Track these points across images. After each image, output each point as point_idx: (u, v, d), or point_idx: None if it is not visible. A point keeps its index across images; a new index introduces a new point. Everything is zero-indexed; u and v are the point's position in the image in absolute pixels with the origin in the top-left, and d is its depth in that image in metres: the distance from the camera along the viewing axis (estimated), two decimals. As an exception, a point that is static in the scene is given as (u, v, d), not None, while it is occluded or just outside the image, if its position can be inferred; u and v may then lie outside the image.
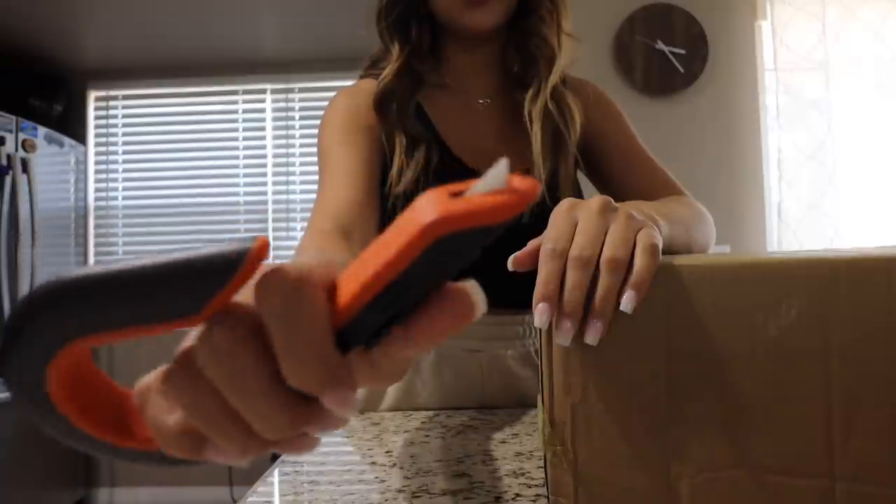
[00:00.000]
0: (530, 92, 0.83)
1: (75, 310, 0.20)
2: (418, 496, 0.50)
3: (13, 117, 2.58)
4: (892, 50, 2.24)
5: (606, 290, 0.38)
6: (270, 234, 3.22)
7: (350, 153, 0.78)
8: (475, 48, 0.87)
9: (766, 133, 2.28)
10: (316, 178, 0.81)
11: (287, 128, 3.24)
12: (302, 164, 3.21)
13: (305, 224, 3.25)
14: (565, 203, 0.42)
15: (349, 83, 0.93)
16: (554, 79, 0.83)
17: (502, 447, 0.63)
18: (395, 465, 0.59)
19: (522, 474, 0.54)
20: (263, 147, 3.25)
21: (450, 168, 0.81)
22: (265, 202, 3.23)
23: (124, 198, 3.26)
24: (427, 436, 0.69)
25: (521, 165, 0.84)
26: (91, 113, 3.27)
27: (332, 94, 0.88)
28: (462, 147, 0.84)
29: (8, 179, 2.52)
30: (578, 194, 0.85)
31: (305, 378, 0.21)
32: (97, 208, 3.25)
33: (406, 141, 0.80)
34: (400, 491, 0.51)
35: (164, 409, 0.23)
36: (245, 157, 3.26)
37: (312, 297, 0.21)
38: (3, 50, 2.89)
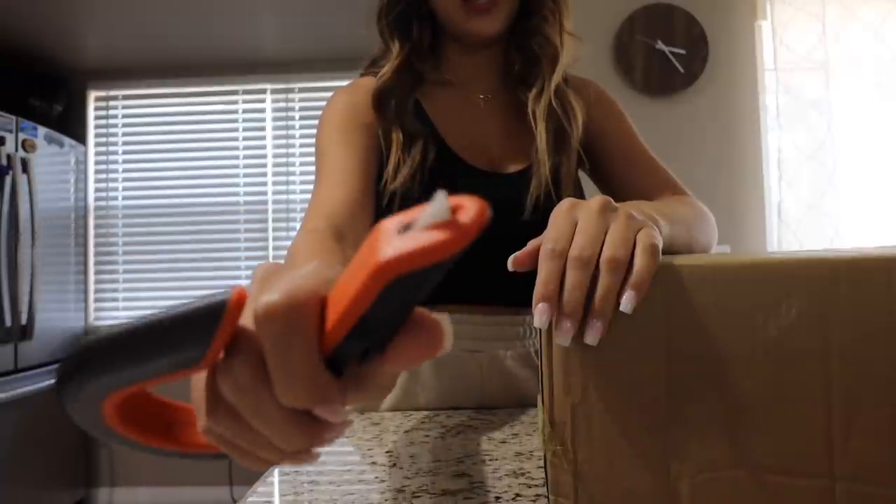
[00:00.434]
0: (534, 91, 0.83)
1: (97, 369, 0.24)
2: (418, 496, 0.50)
3: (13, 117, 2.58)
4: (892, 50, 2.24)
5: (606, 290, 0.38)
6: (270, 234, 3.22)
7: (347, 152, 0.78)
8: (477, 50, 0.87)
9: (766, 133, 2.28)
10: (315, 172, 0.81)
11: (287, 128, 3.24)
12: (302, 164, 3.21)
13: (307, 209, 3.22)
14: (565, 203, 0.42)
15: (348, 83, 0.93)
16: (557, 77, 0.83)
17: (502, 447, 0.63)
18: (395, 465, 0.59)
19: (522, 474, 0.54)
20: (263, 147, 3.25)
21: (447, 165, 0.81)
22: (265, 202, 3.23)
23: (124, 198, 3.26)
24: (427, 436, 0.69)
25: (522, 162, 0.84)
26: (91, 113, 3.27)
27: (331, 94, 0.88)
28: (460, 144, 0.84)
29: (8, 179, 2.52)
30: (580, 193, 0.85)
31: (297, 397, 0.24)
32: (97, 208, 3.25)
33: (403, 138, 0.80)
34: (400, 491, 0.51)
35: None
36: (245, 157, 3.25)
37: (301, 327, 0.23)
38: (3, 50, 2.89)
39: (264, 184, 3.24)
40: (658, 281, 0.38)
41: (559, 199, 0.44)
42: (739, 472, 0.37)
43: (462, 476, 0.54)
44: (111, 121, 3.28)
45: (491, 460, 0.59)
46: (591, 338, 0.38)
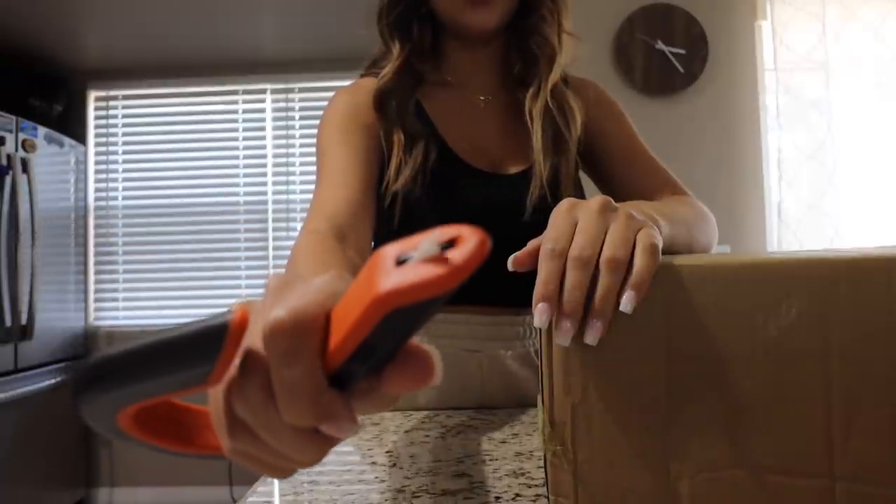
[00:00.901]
0: (531, 90, 0.83)
1: (118, 385, 0.25)
2: (418, 496, 0.50)
3: (13, 117, 2.58)
4: (892, 50, 2.24)
5: (606, 290, 0.38)
6: (270, 234, 3.22)
7: (348, 152, 0.78)
8: (476, 47, 0.87)
9: (766, 133, 2.28)
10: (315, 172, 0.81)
11: (287, 128, 3.24)
12: (302, 164, 3.21)
13: (309, 210, 3.23)
14: (565, 203, 0.42)
15: (349, 83, 0.93)
16: (554, 77, 0.83)
17: (502, 447, 0.63)
18: (395, 465, 0.59)
19: (522, 474, 0.54)
20: (263, 147, 3.25)
21: (448, 166, 0.81)
22: (265, 202, 3.23)
23: (124, 198, 3.26)
24: (427, 436, 0.69)
25: (522, 163, 0.84)
26: (91, 113, 3.27)
27: (332, 94, 0.88)
28: (461, 145, 0.84)
29: (8, 179, 2.52)
30: (580, 193, 0.85)
31: (301, 415, 0.24)
32: (97, 208, 3.25)
33: (404, 138, 0.80)
34: (400, 491, 0.51)
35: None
36: (245, 157, 3.25)
37: (305, 345, 0.23)
38: (3, 50, 2.89)
39: (264, 184, 3.24)
40: (658, 281, 0.38)
41: (559, 199, 0.44)
42: (739, 472, 0.37)
43: (462, 476, 0.54)
44: (111, 121, 3.28)
45: (491, 460, 0.59)
46: (591, 338, 0.38)
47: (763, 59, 2.28)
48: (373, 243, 0.78)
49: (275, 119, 3.25)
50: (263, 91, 3.25)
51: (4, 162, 2.50)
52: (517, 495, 0.49)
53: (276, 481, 0.56)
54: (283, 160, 3.23)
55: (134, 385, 0.24)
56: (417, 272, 0.20)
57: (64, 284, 2.94)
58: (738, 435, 0.37)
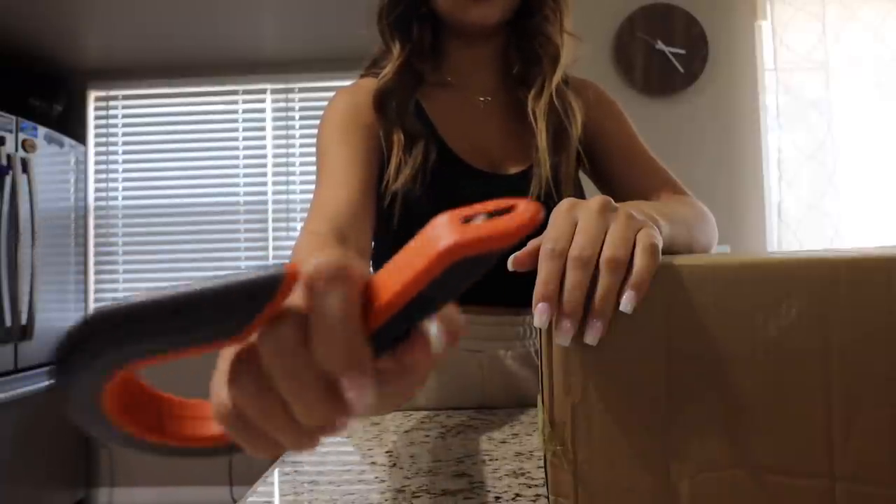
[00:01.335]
0: (533, 90, 0.83)
1: (131, 335, 0.22)
2: (418, 496, 0.50)
3: (13, 117, 2.58)
4: (892, 50, 2.24)
5: (606, 289, 0.38)
6: (270, 234, 3.22)
7: (348, 153, 0.78)
8: (476, 46, 0.87)
9: (766, 133, 2.28)
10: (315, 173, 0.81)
11: (287, 128, 3.24)
12: (302, 164, 3.21)
13: (309, 210, 3.24)
14: (565, 203, 0.42)
15: (349, 83, 0.93)
16: (558, 76, 0.83)
17: (502, 447, 0.63)
18: (395, 465, 0.59)
19: (522, 474, 0.54)
20: (263, 147, 3.25)
21: (448, 166, 0.82)
22: (265, 202, 3.23)
23: (124, 198, 3.26)
24: (427, 436, 0.69)
25: (522, 163, 0.84)
26: (91, 113, 3.27)
27: (332, 94, 0.88)
28: (461, 144, 0.84)
29: (8, 179, 2.52)
30: (580, 193, 0.85)
31: (335, 354, 0.24)
32: (97, 208, 3.25)
33: (404, 138, 0.80)
34: (400, 491, 0.51)
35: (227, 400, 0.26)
36: (245, 157, 3.25)
37: (350, 287, 0.24)
38: (3, 50, 2.89)
39: (264, 184, 3.24)
40: (658, 281, 0.38)
41: (559, 198, 0.44)
42: (739, 472, 0.37)
43: (462, 476, 0.54)
44: (111, 121, 3.28)
45: (491, 460, 0.59)
46: (591, 338, 0.38)
47: (763, 59, 2.28)
48: (372, 243, 0.78)
49: (275, 119, 3.25)
50: (263, 91, 3.25)
51: (4, 162, 2.50)
52: (517, 495, 0.49)
53: (276, 481, 0.56)
54: (283, 160, 3.23)
55: (169, 330, 0.22)
56: (484, 227, 0.22)
57: (64, 284, 2.94)
58: (738, 435, 0.37)
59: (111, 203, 3.26)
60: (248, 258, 3.22)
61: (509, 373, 0.82)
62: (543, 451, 0.41)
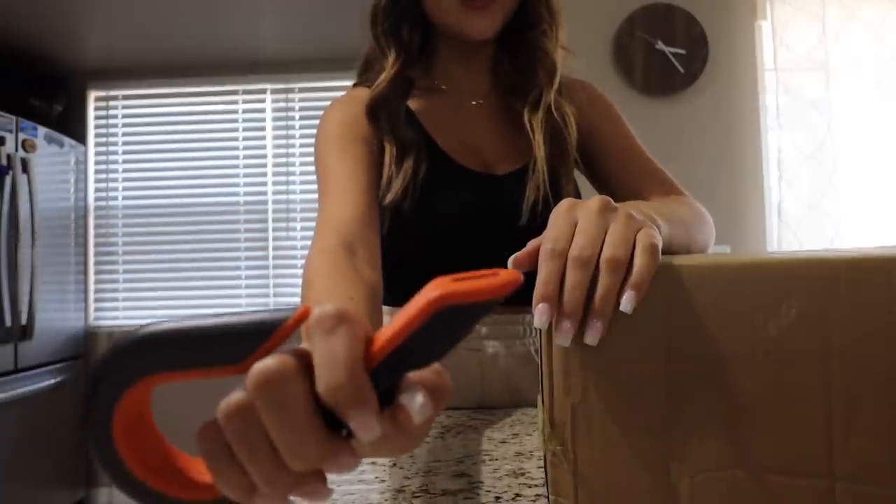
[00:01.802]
0: (530, 101, 0.83)
1: (148, 352, 0.26)
2: (418, 496, 0.50)
3: (13, 117, 2.58)
4: (892, 50, 2.24)
5: (606, 289, 0.38)
6: (270, 234, 3.22)
7: (348, 164, 0.78)
8: (468, 53, 0.87)
9: (766, 133, 2.28)
10: (315, 178, 0.81)
11: (287, 128, 3.24)
12: (302, 164, 3.21)
13: (305, 224, 3.28)
14: (565, 203, 0.42)
15: (349, 83, 0.93)
16: (554, 89, 0.83)
17: (502, 447, 0.63)
18: (395, 465, 0.59)
19: (522, 474, 0.54)
20: (263, 147, 3.25)
21: (440, 168, 0.81)
22: (265, 202, 3.23)
23: (124, 198, 3.26)
24: (427, 436, 0.69)
25: (515, 165, 0.84)
26: (91, 113, 3.27)
27: (331, 94, 0.88)
28: (452, 146, 0.84)
29: (8, 179, 2.52)
30: (577, 195, 0.85)
31: (339, 393, 0.25)
32: (97, 208, 3.25)
33: (395, 150, 0.80)
34: (400, 491, 0.51)
35: (224, 452, 0.26)
36: (245, 157, 3.25)
37: (350, 331, 0.26)
38: (3, 50, 2.89)
39: (264, 184, 3.24)
40: (658, 281, 0.38)
41: (558, 201, 0.44)
42: (739, 472, 0.37)
43: (462, 476, 0.54)
44: (111, 121, 3.28)
45: (491, 460, 0.59)
46: (591, 338, 0.38)
47: (763, 59, 2.28)
48: None
49: (275, 119, 3.25)
50: (263, 91, 3.25)
51: (4, 162, 2.50)
52: (517, 495, 0.49)
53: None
54: (283, 160, 3.23)
55: (177, 353, 0.26)
56: (473, 282, 0.26)
57: (64, 284, 2.94)
58: (738, 435, 0.37)
59: (111, 203, 3.26)
60: (248, 258, 3.22)
61: (509, 372, 0.82)
62: (543, 451, 0.41)
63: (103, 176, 3.26)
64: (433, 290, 0.25)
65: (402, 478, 0.55)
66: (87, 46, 3.07)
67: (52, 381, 2.72)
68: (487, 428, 0.71)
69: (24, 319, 2.58)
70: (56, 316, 2.84)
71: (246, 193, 3.24)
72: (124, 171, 3.27)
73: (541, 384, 0.42)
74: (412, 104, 0.85)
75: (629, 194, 0.84)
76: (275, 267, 3.20)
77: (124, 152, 3.28)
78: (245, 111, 3.26)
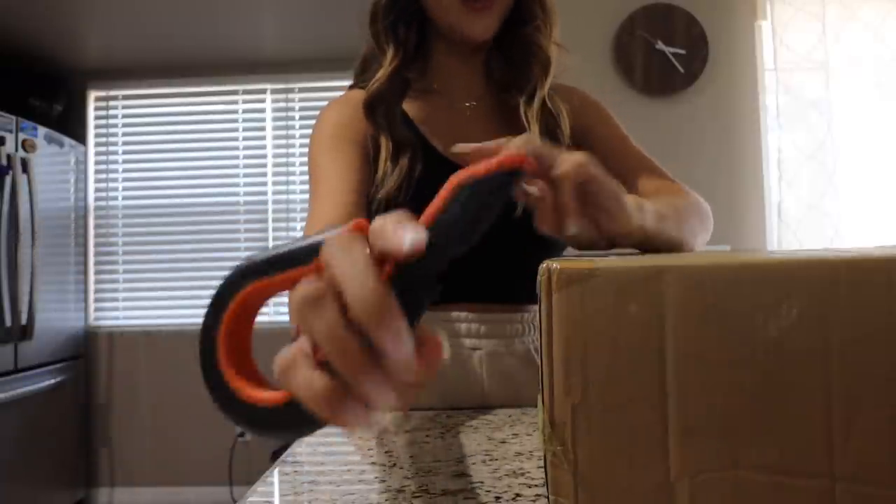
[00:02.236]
0: (524, 95, 0.84)
1: (251, 268, 0.32)
2: (418, 496, 0.50)
3: (13, 117, 2.58)
4: (892, 50, 2.24)
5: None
6: (270, 234, 3.22)
7: (340, 167, 0.78)
8: (464, 52, 0.88)
9: (766, 133, 2.28)
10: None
11: (287, 128, 3.24)
12: (302, 164, 3.21)
13: (305, 224, 3.25)
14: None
15: (349, 83, 0.93)
16: (548, 83, 0.83)
17: (502, 447, 0.63)
18: (395, 465, 0.59)
19: (522, 474, 0.54)
20: (263, 147, 3.25)
21: (435, 167, 0.82)
22: (265, 202, 3.23)
23: (124, 198, 3.26)
24: (427, 436, 0.69)
25: None
26: (91, 113, 3.27)
27: (331, 94, 0.88)
28: (447, 146, 0.84)
29: (8, 179, 2.52)
30: None
31: (357, 301, 0.25)
32: (97, 208, 3.25)
33: (392, 147, 0.80)
34: (400, 491, 0.51)
35: (308, 366, 0.27)
36: (245, 157, 3.26)
37: (358, 239, 0.27)
38: (3, 50, 2.89)
39: (264, 184, 3.24)
40: (658, 281, 0.38)
41: None
42: (739, 473, 0.37)
43: (462, 476, 0.54)
44: (111, 121, 3.28)
45: (491, 460, 0.59)
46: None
47: (763, 59, 2.28)
48: None
49: (275, 119, 3.25)
50: (263, 91, 3.25)
51: (4, 162, 2.50)
52: (517, 495, 0.49)
53: (276, 481, 0.56)
54: (283, 160, 3.24)
55: (274, 262, 0.31)
56: (483, 164, 0.31)
57: (64, 284, 2.94)
58: (738, 435, 0.37)
59: (111, 203, 3.26)
60: (248, 258, 3.22)
61: (509, 371, 0.82)
62: (543, 451, 0.41)
63: (103, 176, 3.26)
64: (455, 175, 0.30)
65: (402, 478, 0.55)
66: (87, 46, 3.07)
67: (52, 381, 2.72)
68: (488, 428, 0.71)
69: (24, 319, 2.58)
70: (56, 316, 2.84)
71: (246, 193, 3.24)
72: (124, 171, 3.27)
73: (541, 384, 0.42)
74: (408, 108, 0.86)
75: (627, 192, 0.84)
76: (275, 267, 3.20)
77: (124, 152, 3.28)
78: (245, 111, 3.26)
